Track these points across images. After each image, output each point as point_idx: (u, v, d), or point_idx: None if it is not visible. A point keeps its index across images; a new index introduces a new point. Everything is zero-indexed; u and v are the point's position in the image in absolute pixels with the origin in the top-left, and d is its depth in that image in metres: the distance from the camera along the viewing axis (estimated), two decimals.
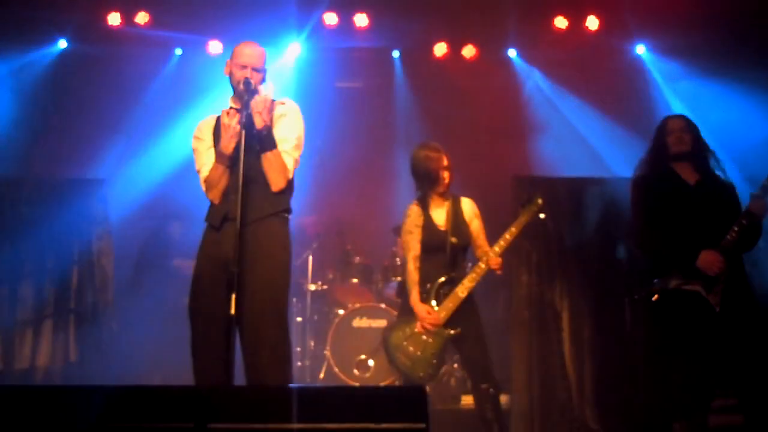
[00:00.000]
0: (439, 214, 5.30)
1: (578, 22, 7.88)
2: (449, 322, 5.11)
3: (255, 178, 4.13)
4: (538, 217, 5.32)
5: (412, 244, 5.27)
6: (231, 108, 4.26)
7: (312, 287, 7.47)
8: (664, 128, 4.87)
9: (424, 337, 5.12)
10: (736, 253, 4.57)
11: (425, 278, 5.21)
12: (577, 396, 6.11)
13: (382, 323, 6.96)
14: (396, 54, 8.32)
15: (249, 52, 4.26)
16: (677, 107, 7.42)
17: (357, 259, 7.64)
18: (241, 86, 4.13)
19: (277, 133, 4.20)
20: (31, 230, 6.60)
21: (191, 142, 4.42)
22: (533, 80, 8.18)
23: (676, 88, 7.79)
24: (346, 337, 7.04)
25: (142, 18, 7.79)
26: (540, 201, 5.29)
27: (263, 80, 4.27)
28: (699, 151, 4.80)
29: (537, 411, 6.09)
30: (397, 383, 6.54)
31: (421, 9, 7.84)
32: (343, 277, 7.60)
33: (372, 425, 2.87)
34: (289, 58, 8.11)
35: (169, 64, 8.11)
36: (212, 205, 4.29)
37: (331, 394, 3.17)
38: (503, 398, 5.64)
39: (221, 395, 3.06)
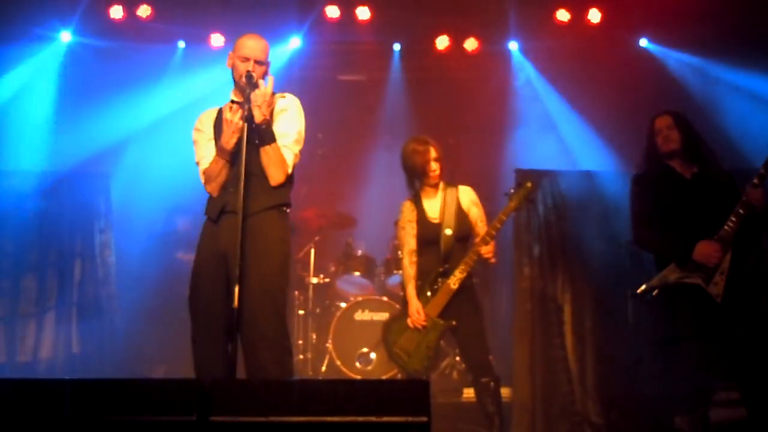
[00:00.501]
0: (433, 207, 5.31)
1: (580, 15, 7.86)
2: (444, 314, 5.12)
3: (254, 171, 4.13)
4: (528, 202, 5.24)
5: (406, 239, 5.31)
6: (233, 102, 4.26)
7: (314, 280, 7.47)
8: (652, 128, 4.88)
9: (419, 330, 5.14)
10: (738, 246, 4.54)
11: (422, 272, 5.22)
12: (579, 389, 6.11)
13: (384, 316, 6.96)
14: (397, 47, 8.30)
15: (252, 44, 4.25)
16: (679, 100, 7.40)
17: (359, 252, 7.65)
18: (243, 79, 4.12)
19: (278, 128, 4.20)
20: (34, 223, 6.62)
21: (192, 133, 4.42)
22: (533, 73, 8.15)
23: (678, 80, 7.77)
24: (348, 330, 7.05)
25: (144, 11, 7.79)
26: (529, 185, 5.18)
27: (266, 72, 4.26)
28: (690, 145, 4.79)
29: (539, 404, 6.09)
30: (399, 376, 6.55)
31: (424, 2, 7.83)
32: (345, 270, 7.60)
33: (374, 418, 2.87)
34: (291, 51, 8.10)
35: (172, 56, 8.10)
36: (210, 197, 4.30)
37: (333, 388, 3.17)
38: (505, 391, 5.65)
39: (223, 388, 3.06)
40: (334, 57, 8.23)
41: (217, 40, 7.99)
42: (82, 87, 7.82)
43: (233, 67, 4.27)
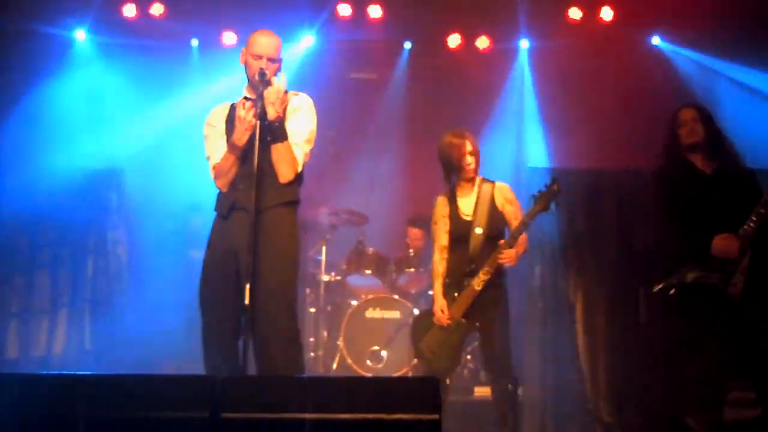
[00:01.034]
0: (467, 204, 5.20)
1: (592, 13, 7.84)
2: (468, 315, 5.07)
3: (265, 168, 4.13)
4: (551, 207, 5.12)
5: (439, 234, 5.22)
6: (245, 98, 4.27)
7: (325, 278, 7.47)
8: (676, 120, 4.75)
9: (444, 330, 5.09)
10: (757, 246, 4.45)
11: (450, 270, 5.17)
12: (591, 388, 6.10)
13: (395, 314, 6.97)
14: (408, 45, 8.30)
15: (265, 42, 4.25)
16: (692, 97, 7.36)
17: (370, 250, 7.65)
18: (257, 77, 4.13)
19: (290, 126, 4.21)
20: (48, 220, 6.66)
21: (203, 128, 4.43)
22: (543, 71, 8.12)
23: (690, 79, 7.74)
24: (359, 327, 7.04)
25: (156, 9, 7.81)
26: (555, 188, 5.04)
27: (279, 69, 4.27)
28: (713, 140, 4.70)
29: (550, 403, 6.09)
30: (410, 374, 6.55)
31: (435, 0, 7.84)
32: (356, 267, 7.60)
33: (385, 416, 2.87)
34: (303, 49, 8.11)
35: (185, 54, 8.12)
36: (220, 193, 4.30)
37: (345, 385, 3.18)
38: None
39: (235, 385, 3.07)
40: (345, 55, 8.23)
41: (229, 38, 8.00)
42: (96, 85, 7.85)
43: (246, 64, 4.27)
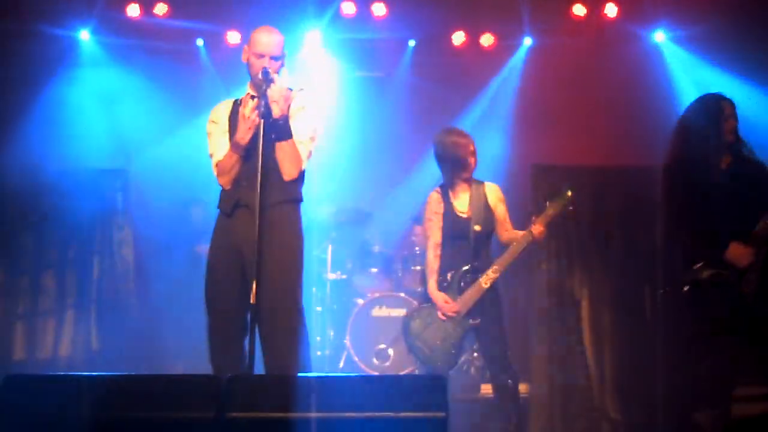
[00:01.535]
0: (462, 201, 5.22)
1: (597, 10, 7.81)
2: (470, 312, 5.08)
3: (269, 166, 4.12)
4: (567, 210, 5.16)
5: (432, 231, 5.22)
6: (249, 94, 4.27)
7: (331, 276, 7.47)
8: (721, 112, 4.57)
9: (444, 326, 5.10)
10: None
11: (447, 266, 5.15)
12: (597, 385, 6.10)
13: (401, 312, 6.95)
14: (412, 43, 8.29)
15: (266, 40, 4.24)
16: (696, 95, 7.32)
17: (376, 248, 7.64)
18: (260, 76, 4.12)
19: (295, 124, 4.21)
20: (53, 220, 6.66)
21: (206, 125, 4.42)
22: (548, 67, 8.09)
23: (695, 76, 7.70)
24: (365, 326, 7.05)
25: (160, 9, 7.80)
26: (570, 194, 5.10)
27: (282, 66, 4.26)
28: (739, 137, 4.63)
29: (557, 400, 6.08)
30: (416, 372, 6.55)
31: None
32: (362, 266, 7.60)
33: (392, 414, 2.87)
34: (307, 48, 8.10)
35: (190, 54, 8.11)
36: (223, 191, 4.30)
37: (351, 384, 3.18)
38: (523, 387, 5.63)
39: (241, 384, 3.07)
40: (350, 53, 8.22)
41: (233, 37, 7.99)
42: (101, 85, 7.84)
43: (248, 63, 4.27)
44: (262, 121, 4.04)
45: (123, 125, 7.66)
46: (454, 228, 5.17)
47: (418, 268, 7.33)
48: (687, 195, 4.56)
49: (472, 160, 5.18)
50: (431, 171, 5.48)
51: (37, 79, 7.50)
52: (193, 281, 6.33)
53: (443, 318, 5.08)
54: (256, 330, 3.99)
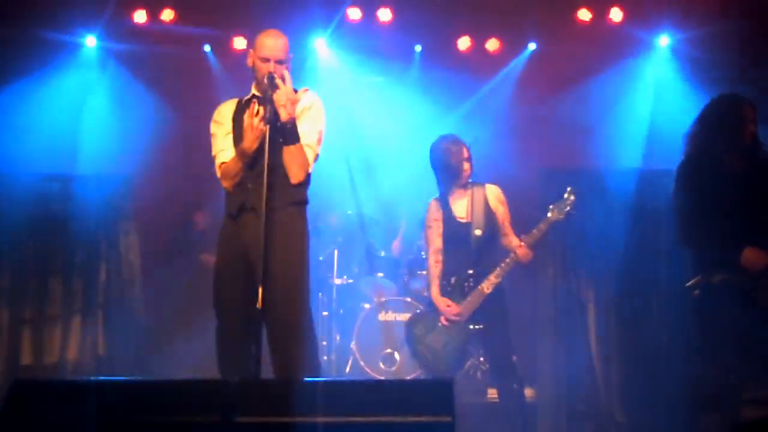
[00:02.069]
0: (461, 207, 5.26)
1: (602, 14, 7.82)
2: (473, 317, 5.09)
3: (275, 168, 4.11)
4: (570, 214, 5.18)
5: (432, 238, 5.28)
6: (253, 95, 4.27)
7: (337, 281, 7.48)
8: (742, 116, 4.52)
9: (447, 331, 5.11)
10: None
11: (450, 272, 5.18)
12: (604, 389, 6.09)
13: (407, 317, 6.95)
14: (418, 48, 8.30)
15: (271, 44, 4.23)
16: (701, 100, 7.30)
17: (382, 253, 7.65)
18: (265, 81, 4.12)
19: (300, 127, 4.21)
20: (60, 226, 6.68)
21: (210, 125, 4.42)
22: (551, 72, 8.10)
23: (699, 80, 7.69)
24: (372, 330, 7.05)
25: (167, 15, 7.83)
26: (572, 198, 5.14)
27: (287, 69, 4.26)
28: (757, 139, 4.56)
29: (563, 404, 6.07)
30: (422, 377, 6.55)
31: (445, 2, 7.83)
32: (368, 271, 7.61)
33: (398, 418, 2.87)
34: (313, 53, 8.12)
35: (197, 60, 8.13)
36: (228, 194, 4.31)
37: (358, 388, 3.18)
38: (529, 392, 5.64)
39: (248, 388, 3.08)
40: (356, 58, 8.23)
41: (240, 43, 8.01)
42: (107, 91, 7.87)
43: (254, 66, 4.27)
44: (269, 126, 4.05)
45: (130, 131, 7.68)
46: (454, 234, 5.21)
47: (425, 272, 7.33)
48: (700, 196, 4.52)
49: (466, 165, 5.23)
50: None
51: (43, 86, 7.53)
52: (200, 285, 6.37)
53: (446, 323, 5.10)
54: (263, 333, 3.99)
